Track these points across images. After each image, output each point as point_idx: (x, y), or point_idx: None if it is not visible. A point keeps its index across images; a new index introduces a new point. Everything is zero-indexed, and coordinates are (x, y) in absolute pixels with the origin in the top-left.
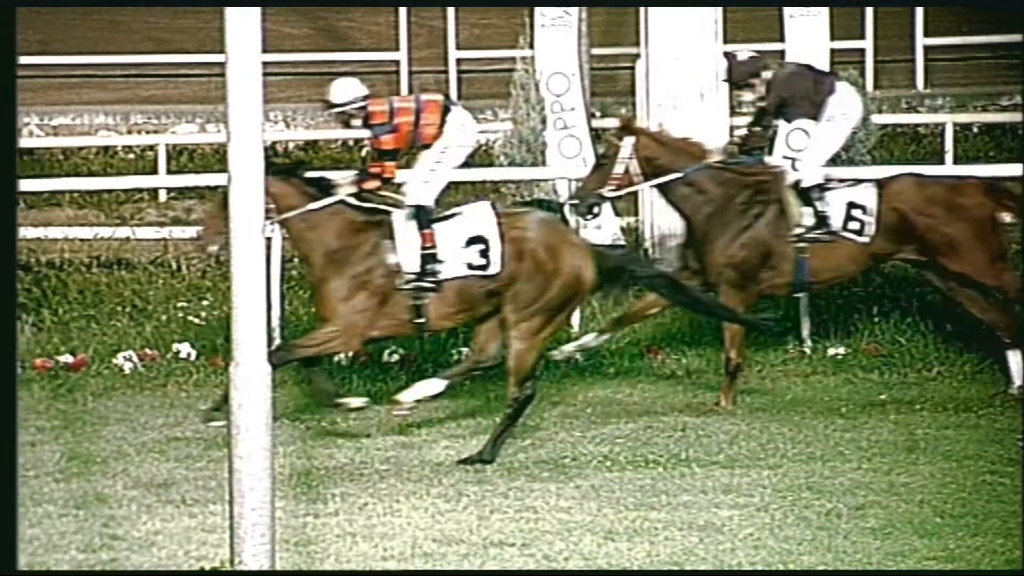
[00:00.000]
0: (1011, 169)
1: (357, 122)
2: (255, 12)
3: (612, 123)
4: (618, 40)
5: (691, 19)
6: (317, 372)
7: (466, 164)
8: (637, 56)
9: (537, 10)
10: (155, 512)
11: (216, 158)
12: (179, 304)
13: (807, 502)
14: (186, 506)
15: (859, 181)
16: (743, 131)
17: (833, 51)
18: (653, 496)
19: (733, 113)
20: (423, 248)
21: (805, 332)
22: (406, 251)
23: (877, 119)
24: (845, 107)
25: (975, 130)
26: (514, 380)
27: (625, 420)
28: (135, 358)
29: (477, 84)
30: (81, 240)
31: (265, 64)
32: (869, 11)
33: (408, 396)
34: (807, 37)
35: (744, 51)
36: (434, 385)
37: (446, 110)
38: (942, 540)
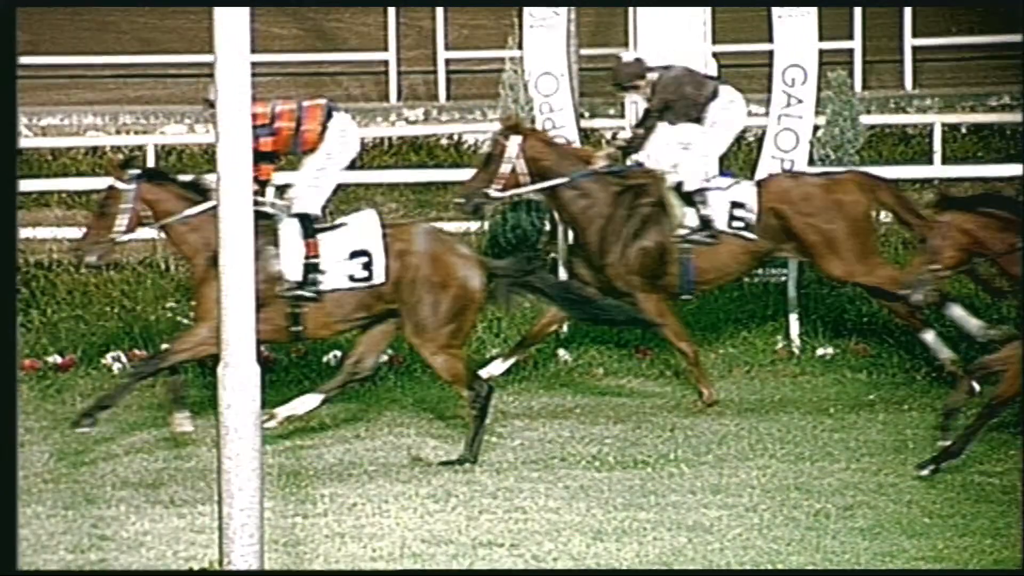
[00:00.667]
0: (1010, 169)
1: None
2: (244, 12)
3: (601, 124)
4: (607, 41)
5: (679, 20)
6: (179, 379)
7: (455, 164)
8: None
9: (526, 10)
10: (144, 512)
11: (205, 159)
12: (168, 304)
13: (796, 502)
14: (175, 507)
15: (739, 181)
16: (627, 133)
17: (822, 51)
18: (642, 496)
19: None
20: (306, 257)
21: (794, 332)
22: (289, 259)
23: (866, 119)
24: (729, 112)
25: (964, 130)
26: (458, 388)
27: (614, 420)
28: (124, 358)
29: (466, 84)
30: (70, 240)
31: (254, 64)
32: (858, 11)
33: (284, 410)
34: (796, 37)
35: (629, 54)
36: (310, 400)
37: (328, 115)
38: (930, 540)
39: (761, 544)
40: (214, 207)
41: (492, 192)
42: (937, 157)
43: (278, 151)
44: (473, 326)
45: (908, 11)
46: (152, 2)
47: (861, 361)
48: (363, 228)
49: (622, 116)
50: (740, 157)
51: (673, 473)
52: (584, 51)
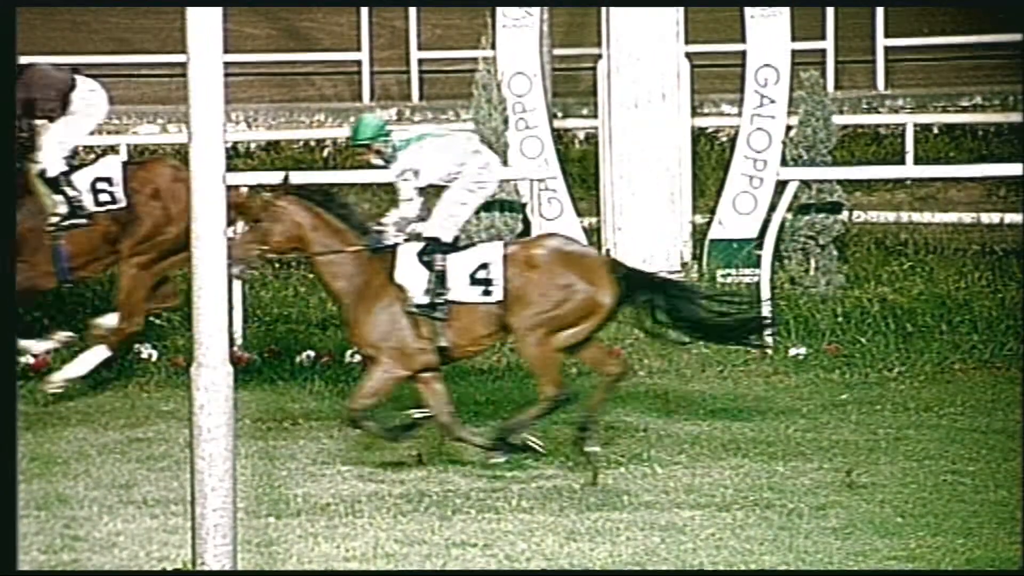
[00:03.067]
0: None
1: None
2: (217, 12)
3: (574, 124)
4: (580, 40)
5: (653, 20)
6: None
7: None
8: (599, 57)
9: (499, 10)
10: (117, 513)
11: (178, 159)
12: None
13: (768, 502)
14: (148, 507)
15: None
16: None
17: (794, 52)
18: (615, 496)
19: (695, 114)
20: None
21: (766, 332)
22: None
23: (838, 120)
24: (88, 101)
25: (936, 131)
26: None
27: None
28: None
29: (439, 84)
30: None
31: (227, 64)
32: (830, 12)
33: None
34: (768, 38)
35: None
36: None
37: None
38: (903, 540)
39: (734, 544)
40: None
41: None
42: (909, 157)
43: None
44: None
45: (880, 11)
46: (129, 1)
47: (834, 361)
48: None
49: (595, 116)
50: (713, 157)
51: (646, 473)
52: (557, 51)
